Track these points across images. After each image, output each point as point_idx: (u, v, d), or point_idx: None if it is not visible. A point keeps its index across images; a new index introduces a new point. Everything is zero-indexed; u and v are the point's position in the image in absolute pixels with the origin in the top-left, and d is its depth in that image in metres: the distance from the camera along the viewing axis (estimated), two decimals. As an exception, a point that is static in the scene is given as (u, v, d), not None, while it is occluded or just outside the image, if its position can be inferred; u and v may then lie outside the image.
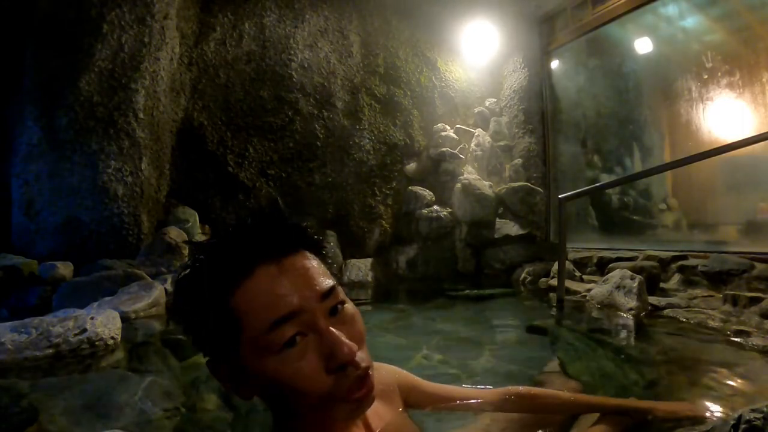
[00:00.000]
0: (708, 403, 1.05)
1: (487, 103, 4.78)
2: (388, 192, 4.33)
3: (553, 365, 1.58)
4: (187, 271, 0.61)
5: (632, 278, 2.38)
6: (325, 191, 4.14)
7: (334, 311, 0.60)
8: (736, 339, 1.76)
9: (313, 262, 0.62)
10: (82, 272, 2.93)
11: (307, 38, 4.24)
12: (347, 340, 0.57)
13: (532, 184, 4.19)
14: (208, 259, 0.60)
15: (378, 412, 0.77)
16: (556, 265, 3.03)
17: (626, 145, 4.13)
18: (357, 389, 0.57)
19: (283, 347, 0.55)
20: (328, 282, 0.60)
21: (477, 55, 4.72)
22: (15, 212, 3.38)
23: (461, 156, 4.34)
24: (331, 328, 0.57)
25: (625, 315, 2.25)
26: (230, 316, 0.56)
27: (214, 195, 3.86)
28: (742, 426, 0.65)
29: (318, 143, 4.13)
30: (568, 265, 3.14)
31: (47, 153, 3.26)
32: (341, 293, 0.62)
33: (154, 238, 3.28)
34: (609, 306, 2.41)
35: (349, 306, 0.63)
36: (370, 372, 0.60)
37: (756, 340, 1.69)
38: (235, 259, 0.58)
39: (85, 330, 1.83)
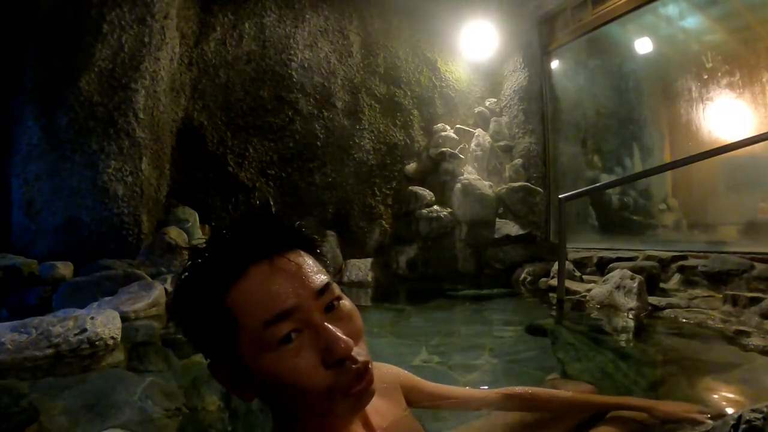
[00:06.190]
0: (708, 404, 1.05)
1: (487, 103, 4.78)
2: (388, 192, 4.33)
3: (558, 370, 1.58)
4: (184, 274, 0.62)
5: (632, 278, 2.38)
6: (325, 191, 4.14)
7: (330, 308, 0.60)
8: (736, 339, 1.76)
9: (307, 260, 0.62)
10: (82, 272, 2.93)
11: (307, 38, 4.24)
12: (343, 336, 0.57)
13: (532, 184, 4.19)
14: (202, 261, 0.61)
15: (380, 411, 0.76)
16: (556, 265, 3.03)
17: (626, 145, 4.14)
18: (356, 383, 0.57)
19: (278, 344, 0.55)
20: (322, 279, 0.61)
21: (477, 55, 4.72)
22: (15, 212, 3.38)
23: (461, 156, 4.34)
24: (326, 323, 0.58)
25: (625, 315, 2.25)
26: (227, 316, 0.57)
27: (214, 195, 3.86)
28: (742, 426, 0.64)
29: (318, 143, 4.13)
30: (568, 265, 3.13)
31: (47, 153, 3.26)
32: (337, 290, 0.62)
33: (154, 238, 3.28)
34: (609, 306, 2.41)
35: (346, 302, 0.63)
36: (370, 366, 0.60)
37: (756, 340, 1.69)
38: (229, 260, 0.58)
39: (85, 330, 1.83)
